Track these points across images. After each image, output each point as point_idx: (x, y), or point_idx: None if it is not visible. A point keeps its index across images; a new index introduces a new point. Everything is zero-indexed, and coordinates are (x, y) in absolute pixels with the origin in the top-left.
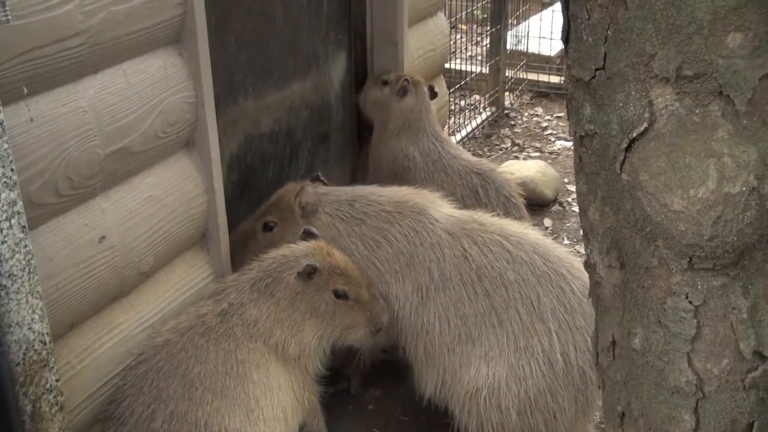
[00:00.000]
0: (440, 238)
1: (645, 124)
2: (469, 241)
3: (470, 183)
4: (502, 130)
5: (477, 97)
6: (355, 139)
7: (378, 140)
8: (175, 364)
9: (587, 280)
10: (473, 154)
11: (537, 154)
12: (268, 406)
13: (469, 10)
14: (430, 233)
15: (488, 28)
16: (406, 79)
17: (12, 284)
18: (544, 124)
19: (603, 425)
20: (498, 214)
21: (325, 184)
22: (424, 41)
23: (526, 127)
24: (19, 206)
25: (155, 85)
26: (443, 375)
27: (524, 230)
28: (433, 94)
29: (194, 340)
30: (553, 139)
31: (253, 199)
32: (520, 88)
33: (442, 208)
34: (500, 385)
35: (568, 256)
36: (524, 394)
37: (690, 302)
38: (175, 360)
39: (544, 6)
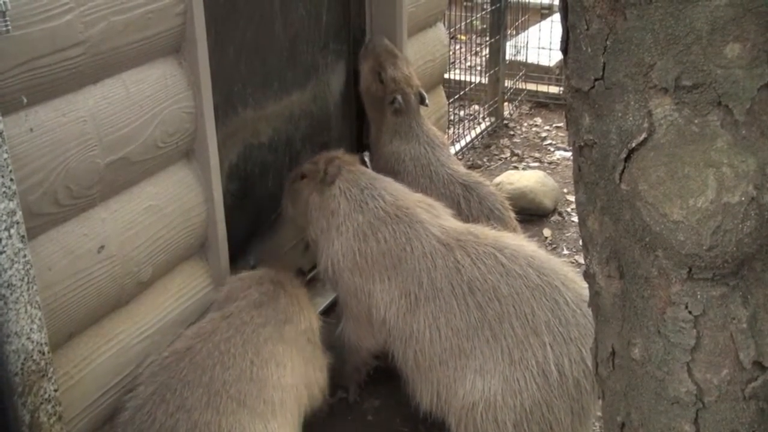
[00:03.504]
0: (433, 248)
1: (644, 134)
2: (463, 253)
3: (453, 193)
4: (501, 141)
5: (476, 107)
6: (355, 149)
7: (375, 141)
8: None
9: (582, 291)
10: (472, 165)
11: (536, 164)
12: (282, 414)
13: (468, 21)
14: (423, 242)
15: (487, 38)
16: (398, 100)
17: (11, 294)
18: (544, 135)
19: None
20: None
21: (364, 164)
22: (424, 51)
23: (525, 137)
24: (19, 216)
25: (155, 95)
26: (438, 388)
27: (520, 243)
28: (422, 102)
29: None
30: (552, 149)
31: (252, 209)
32: (519, 98)
33: (441, 221)
34: (496, 399)
35: (564, 267)
36: (520, 406)
37: (689, 312)
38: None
39: (543, 16)
